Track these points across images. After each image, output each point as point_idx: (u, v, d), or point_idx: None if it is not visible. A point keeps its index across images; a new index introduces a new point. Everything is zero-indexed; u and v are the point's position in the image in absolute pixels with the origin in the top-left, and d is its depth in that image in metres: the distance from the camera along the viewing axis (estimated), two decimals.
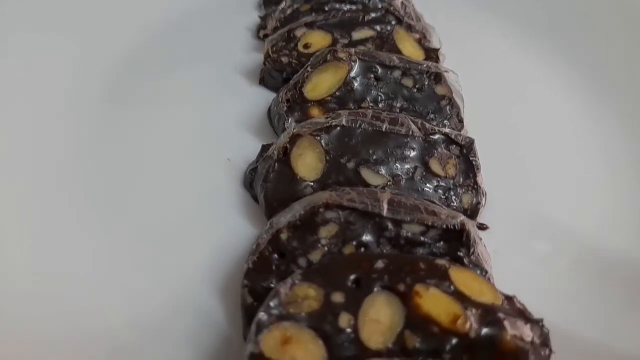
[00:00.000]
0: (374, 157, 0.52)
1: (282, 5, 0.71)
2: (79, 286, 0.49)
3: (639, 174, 0.58)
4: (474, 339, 0.40)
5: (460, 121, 0.59)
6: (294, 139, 0.53)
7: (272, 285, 0.45)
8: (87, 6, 0.73)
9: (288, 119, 0.57)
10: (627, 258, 0.52)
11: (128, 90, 0.66)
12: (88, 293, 0.49)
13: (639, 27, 0.72)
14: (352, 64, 0.59)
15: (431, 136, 0.53)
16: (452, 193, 0.52)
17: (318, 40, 0.65)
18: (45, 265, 0.50)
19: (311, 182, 0.52)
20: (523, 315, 0.42)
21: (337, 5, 0.69)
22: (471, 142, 0.54)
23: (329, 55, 0.59)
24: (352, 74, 0.59)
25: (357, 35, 0.65)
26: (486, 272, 0.46)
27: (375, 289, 0.42)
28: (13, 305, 0.47)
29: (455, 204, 0.52)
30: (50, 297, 0.48)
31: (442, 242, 0.47)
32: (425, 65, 0.59)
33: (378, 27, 0.66)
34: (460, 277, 0.43)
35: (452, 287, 0.42)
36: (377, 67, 0.59)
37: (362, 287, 0.42)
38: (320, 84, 0.59)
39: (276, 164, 0.53)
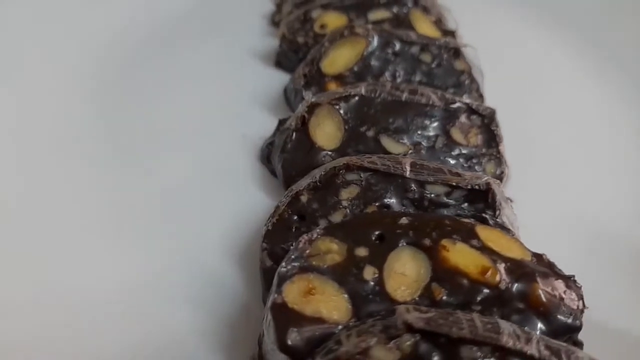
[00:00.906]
0: (394, 125, 0.51)
1: None
2: (100, 254, 0.49)
3: None
4: (503, 292, 0.38)
5: (480, 96, 0.58)
6: (312, 108, 0.52)
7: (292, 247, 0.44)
8: None
9: (305, 93, 0.56)
10: None
11: (148, 71, 0.65)
12: (110, 260, 0.48)
13: None
14: (370, 39, 0.58)
15: (452, 105, 0.52)
16: (474, 161, 0.51)
17: (333, 21, 0.64)
18: (68, 233, 0.50)
19: (330, 151, 0.51)
20: (553, 271, 0.41)
21: None
22: (493, 112, 0.53)
23: (346, 31, 0.59)
24: (370, 49, 0.58)
25: (373, 16, 0.65)
26: (513, 234, 0.44)
27: (400, 245, 0.40)
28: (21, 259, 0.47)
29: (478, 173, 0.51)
30: (72, 263, 0.48)
31: (467, 204, 0.45)
32: (443, 41, 0.59)
33: (394, 9, 0.65)
34: (488, 234, 0.42)
35: (479, 243, 0.41)
36: (395, 42, 0.58)
37: (387, 242, 0.41)
38: (338, 59, 0.58)
39: (294, 133, 0.52)
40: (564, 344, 0.34)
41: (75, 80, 0.63)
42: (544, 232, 0.49)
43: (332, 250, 0.40)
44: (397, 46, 0.58)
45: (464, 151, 0.51)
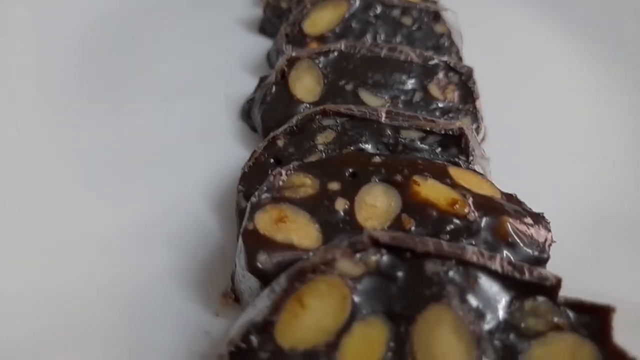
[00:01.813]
0: (373, 80, 0.52)
1: None
2: (82, 198, 0.49)
3: None
4: (472, 223, 0.39)
5: (460, 59, 0.59)
6: (292, 62, 0.53)
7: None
8: None
9: (286, 47, 0.57)
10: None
11: (130, 38, 0.66)
12: (91, 203, 0.49)
13: None
14: (352, 1, 0.59)
15: (430, 62, 0.53)
16: (451, 116, 0.52)
17: None
18: (50, 176, 0.51)
19: (309, 103, 0.52)
20: (522, 208, 0.41)
21: None
22: (470, 70, 0.54)
23: None
24: (352, 10, 0.59)
25: None
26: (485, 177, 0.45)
27: (372, 181, 0.41)
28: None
29: None
30: (53, 206, 0.49)
31: (440, 149, 0.46)
32: (424, 5, 0.60)
33: None
34: (459, 174, 0.43)
35: (450, 181, 0.41)
36: (377, 5, 0.59)
37: (359, 178, 0.41)
38: (320, 20, 0.59)
39: (274, 86, 0.53)
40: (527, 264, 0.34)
41: (65, 38, 0.64)
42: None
43: (306, 185, 0.41)
44: (379, 9, 0.59)
45: (440, 105, 0.52)
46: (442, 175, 0.42)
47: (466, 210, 0.39)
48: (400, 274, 0.33)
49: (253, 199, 0.40)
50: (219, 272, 0.44)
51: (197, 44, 0.66)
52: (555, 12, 0.70)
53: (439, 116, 0.51)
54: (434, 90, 0.53)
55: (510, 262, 0.33)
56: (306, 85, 0.52)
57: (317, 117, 0.47)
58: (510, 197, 0.42)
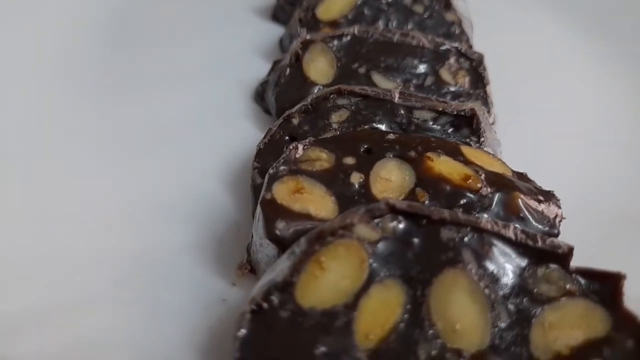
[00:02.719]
0: (385, 63, 0.53)
1: None
2: (102, 175, 0.51)
3: None
4: (484, 197, 0.39)
5: (470, 47, 0.60)
6: (306, 45, 0.54)
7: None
8: None
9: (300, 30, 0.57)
10: None
11: (148, 25, 0.67)
12: (110, 181, 0.50)
13: None
14: None
15: (441, 48, 0.54)
16: (462, 100, 0.53)
17: None
18: (72, 155, 0.52)
19: (323, 85, 0.52)
20: (533, 185, 0.42)
21: None
22: (481, 56, 0.55)
23: None
24: None
25: None
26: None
27: (387, 156, 0.42)
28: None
29: None
30: (74, 183, 0.50)
31: (452, 130, 0.47)
32: None
33: None
34: (471, 152, 0.44)
35: (463, 159, 0.42)
36: None
37: (374, 154, 0.42)
38: (333, 6, 0.60)
39: (288, 69, 0.53)
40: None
41: (82, 23, 0.65)
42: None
43: (321, 159, 0.42)
44: None
45: (451, 89, 0.53)
46: (454, 153, 0.43)
47: (479, 185, 0.40)
48: (416, 239, 0.34)
49: (271, 171, 0.41)
50: (235, 245, 0.45)
51: (211, 31, 0.67)
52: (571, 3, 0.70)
53: (450, 100, 0.52)
54: (445, 74, 0.54)
55: (523, 231, 0.34)
56: (320, 68, 0.53)
57: (332, 96, 0.47)
58: (521, 175, 0.43)
